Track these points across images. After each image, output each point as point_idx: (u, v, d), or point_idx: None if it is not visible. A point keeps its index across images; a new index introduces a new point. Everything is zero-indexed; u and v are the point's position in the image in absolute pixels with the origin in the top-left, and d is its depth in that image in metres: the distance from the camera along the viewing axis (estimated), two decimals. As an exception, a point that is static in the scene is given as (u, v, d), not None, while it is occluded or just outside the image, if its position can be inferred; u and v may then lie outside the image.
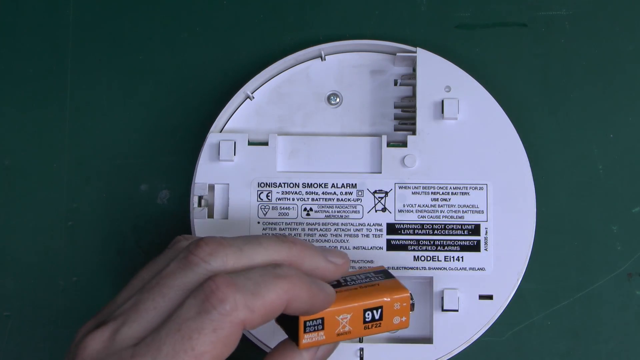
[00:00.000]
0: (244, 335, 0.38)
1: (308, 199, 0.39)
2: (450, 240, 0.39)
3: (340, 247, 0.39)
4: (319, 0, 0.43)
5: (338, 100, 0.41)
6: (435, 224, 0.39)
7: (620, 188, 0.41)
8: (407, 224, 0.39)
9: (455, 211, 0.39)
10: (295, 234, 0.39)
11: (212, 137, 0.40)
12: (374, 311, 0.33)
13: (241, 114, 0.41)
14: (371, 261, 0.39)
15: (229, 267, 0.30)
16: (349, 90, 0.41)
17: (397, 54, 0.40)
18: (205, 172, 0.39)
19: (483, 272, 0.39)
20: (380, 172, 0.39)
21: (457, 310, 0.38)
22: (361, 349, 0.38)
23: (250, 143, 0.40)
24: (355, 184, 0.39)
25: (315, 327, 0.32)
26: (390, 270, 0.39)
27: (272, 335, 0.38)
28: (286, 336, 0.33)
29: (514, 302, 0.39)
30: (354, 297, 0.33)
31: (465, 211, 0.39)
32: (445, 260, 0.39)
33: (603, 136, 0.42)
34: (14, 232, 0.42)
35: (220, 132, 0.40)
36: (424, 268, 0.39)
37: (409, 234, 0.39)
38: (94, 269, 0.41)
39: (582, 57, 0.42)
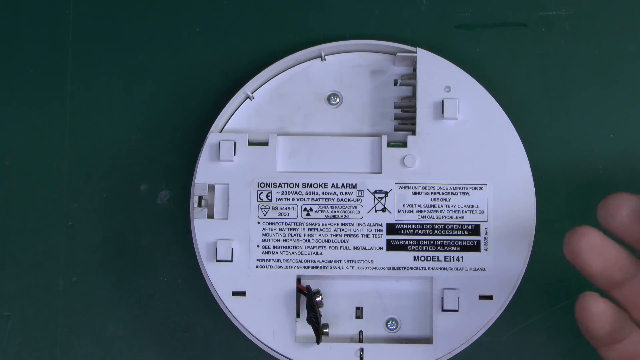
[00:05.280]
0: (244, 335, 0.38)
1: (308, 199, 0.39)
2: (450, 240, 0.39)
3: (340, 247, 0.39)
4: (319, 0, 0.43)
5: (338, 100, 0.41)
6: (435, 224, 0.39)
7: (620, 188, 0.41)
8: (407, 224, 0.39)
9: (455, 211, 0.39)
10: (295, 234, 0.39)
11: (212, 137, 0.40)
12: None
13: (241, 114, 0.41)
14: (371, 261, 0.39)
15: None
16: (349, 90, 0.41)
17: (397, 54, 0.40)
18: (205, 172, 0.39)
19: (483, 272, 0.39)
20: (380, 172, 0.39)
21: (457, 311, 0.38)
22: (361, 349, 0.38)
23: (250, 143, 0.40)
24: (355, 184, 0.39)
25: None
26: (390, 271, 0.39)
27: (272, 335, 0.38)
28: None
29: (514, 302, 0.39)
30: None
31: (465, 211, 0.39)
32: (445, 261, 0.39)
33: (603, 136, 0.42)
34: (14, 232, 0.42)
35: (220, 132, 0.40)
36: (424, 268, 0.39)
37: (409, 234, 0.39)
38: (94, 269, 0.41)
39: (582, 57, 0.42)
